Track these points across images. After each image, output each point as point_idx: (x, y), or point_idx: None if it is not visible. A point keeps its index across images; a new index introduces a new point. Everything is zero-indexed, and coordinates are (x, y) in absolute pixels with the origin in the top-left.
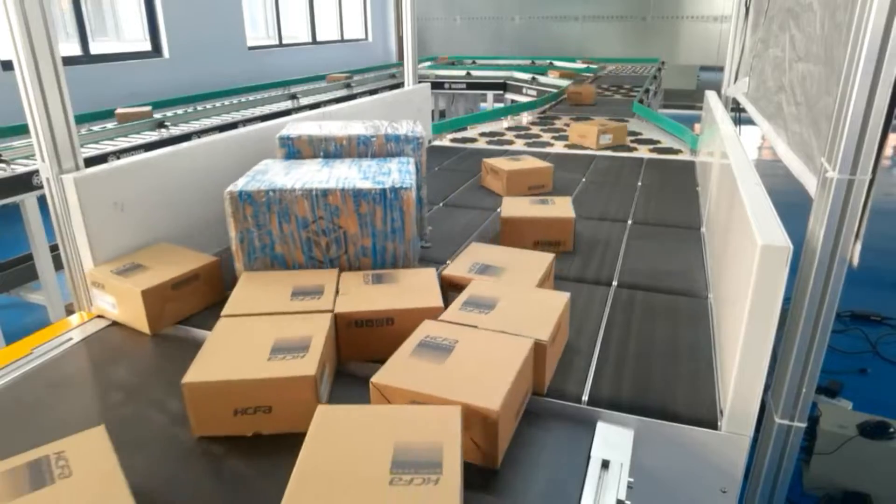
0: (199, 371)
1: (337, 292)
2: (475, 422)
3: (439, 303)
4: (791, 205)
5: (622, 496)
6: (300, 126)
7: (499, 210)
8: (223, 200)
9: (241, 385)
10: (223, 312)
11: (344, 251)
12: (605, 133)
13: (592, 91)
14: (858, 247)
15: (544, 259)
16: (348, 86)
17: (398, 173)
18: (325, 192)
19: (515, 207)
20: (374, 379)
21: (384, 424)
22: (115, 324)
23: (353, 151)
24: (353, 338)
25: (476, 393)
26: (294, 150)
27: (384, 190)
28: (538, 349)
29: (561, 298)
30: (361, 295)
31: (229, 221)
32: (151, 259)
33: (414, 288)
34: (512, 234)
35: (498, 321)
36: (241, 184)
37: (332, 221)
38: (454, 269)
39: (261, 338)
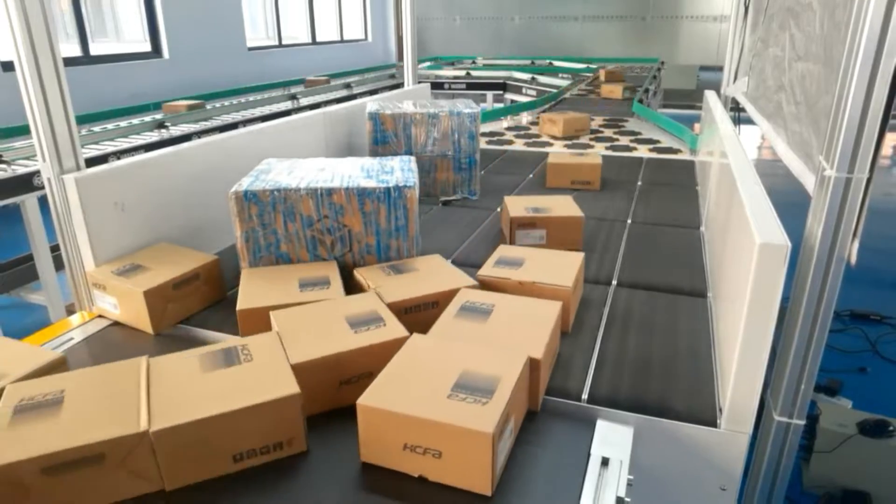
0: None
1: (362, 287)
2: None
3: (472, 281)
4: (791, 204)
5: (622, 494)
6: (383, 105)
7: (498, 210)
8: (226, 200)
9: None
10: (239, 307)
11: (349, 249)
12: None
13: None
14: (856, 245)
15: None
16: (348, 86)
17: (400, 172)
18: (330, 192)
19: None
20: (431, 331)
21: (458, 356)
22: (116, 323)
23: (426, 123)
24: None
25: (521, 344)
26: (379, 122)
27: (388, 189)
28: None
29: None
30: (397, 285)
31: (234, 221)
32: (151, 259)
33: (437, 272)
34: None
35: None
36: (245, 183)
37: (337, 220)
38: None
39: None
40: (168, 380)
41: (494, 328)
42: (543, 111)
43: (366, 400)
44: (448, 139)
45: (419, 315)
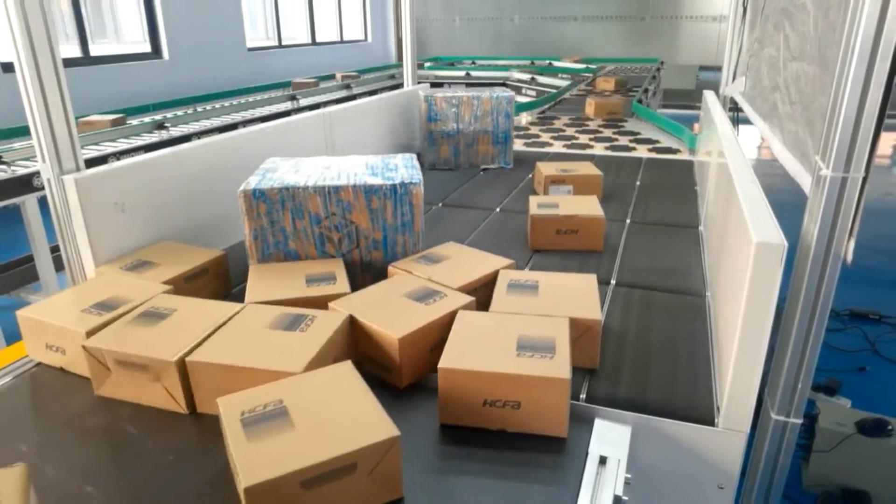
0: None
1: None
2: (578, 332)
3: (509, 260)
4: (790, 204)
5: (619, 492)
6: (436, 91)
7: (498, 209)
8: (226, 201)
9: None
10: (247, 300)
11: (356, 245)
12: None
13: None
14: (852, 244)
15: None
16: (348, 86)
17: (405, 169)
18: (338, 189)
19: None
20: (492, 308)
21: (511, 324)
22: None
23: (470, 104)
24: None
25: (576, 310)
26: (433, 104)
27: (395, 185)
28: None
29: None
30: (446, 271)
31: (243, 219)
32: (158, 256)
33: (469, 257)
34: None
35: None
36: (253, 182)
37: (345, 217)
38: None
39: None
40: None
41: (548, 299)
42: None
43: (446, 363)
44: (488, 117)
45: (476, 296)
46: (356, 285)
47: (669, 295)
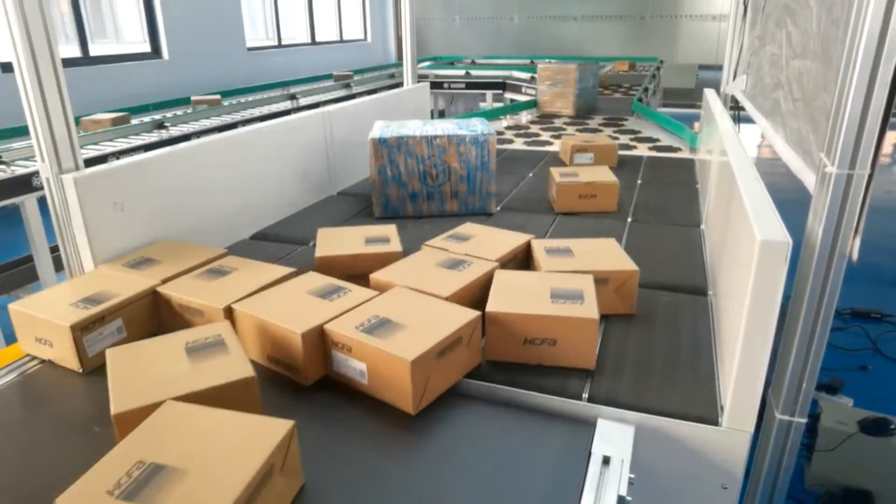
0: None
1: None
2: (618, 282)
3: (530, 235)
4: (791, 202)
5: (623, 492)
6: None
7: (498, 208)
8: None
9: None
10: (317, 254)
11: (448, 179)
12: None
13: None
14: (858, 242)
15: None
16: (348, 86)
17: (481, 125)
18: (436, 138)
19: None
20: (541, 266)
21: (543, 279)
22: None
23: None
24: None
25: (614, 264)
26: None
27: (476, 136)
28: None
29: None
30: (477, 247)
31: (370, 159)
32: (160, 254)
33: (492, 235)
34: None
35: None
36: (377, 133)
37: (441, 158)
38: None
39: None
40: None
41: (585, 259)
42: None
43: (492, 308)
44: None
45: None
46: (446, 210)
47: (672, 294)
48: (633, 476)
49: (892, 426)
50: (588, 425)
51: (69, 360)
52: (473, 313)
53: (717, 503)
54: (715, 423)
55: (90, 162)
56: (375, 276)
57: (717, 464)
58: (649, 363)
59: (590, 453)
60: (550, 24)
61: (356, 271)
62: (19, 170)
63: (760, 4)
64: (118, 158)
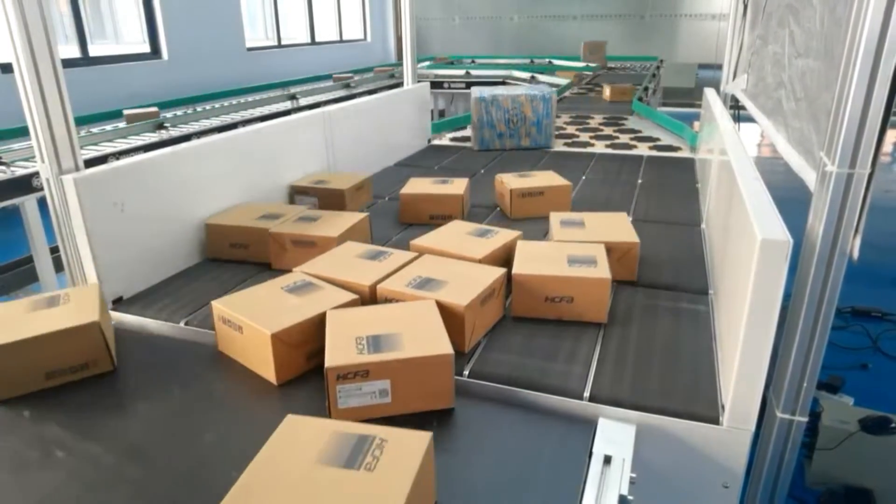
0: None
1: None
2: (620, 252)
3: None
4: (791, 201)
5: (624, 492)
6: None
7: (498, 209)
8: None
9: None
10: (402, 191)
11: (523, 123)
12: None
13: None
14: (858, 241)
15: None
16: (348, 86)
17: (546, 88)
18: (518, 96)
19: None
20: (553, 238)
21: (559, 248)
22: (115, 324)
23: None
24: None
25: (619, 236)
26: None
27: (543, 94)
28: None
29: None
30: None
31: (473, 112)
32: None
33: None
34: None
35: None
36: (477, 94)
37: (520, 110)
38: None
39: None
40: None
41: (594, 231)
42: None
43: (518, 270)
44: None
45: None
46: (521, 144)
47: (672, 293)
48: (634, 475)
49: (893, 425)
50: (589, 425)
51: (262, 255)
52: (500, 270)
53: (718, 502)
54: (716, 422)
55: (90, 163)
56: (416, 242)
57: (718, 463)
58: (650, 362)
59: (591, 453)
60: (550, 23)
61: (435, 212)
62: (19, 170)
63: (761, 3)
64: (118, 159)
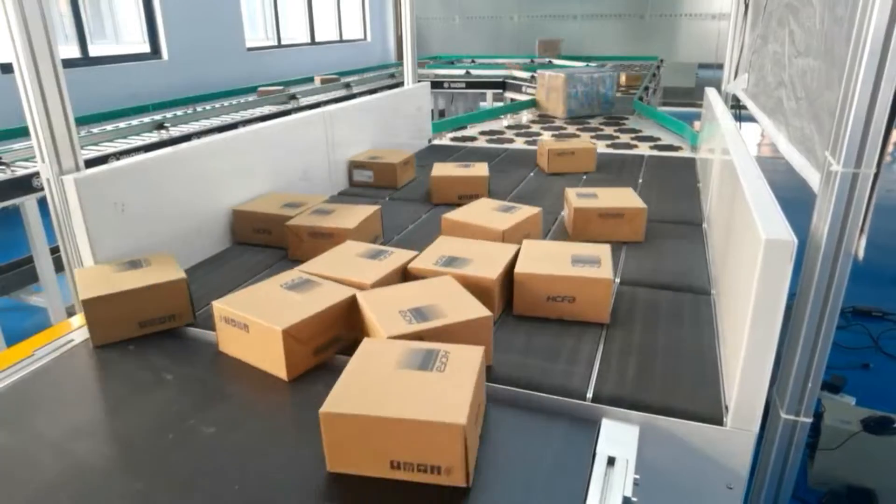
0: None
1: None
2: (631, 216)
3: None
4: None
5: (628, 493)
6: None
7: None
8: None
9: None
10: (432, 174)
11: (596, 97)
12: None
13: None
14: (864, 241)
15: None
16: (348, 86)
17: (611, 71)
18: (594, 75)
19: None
20: (572, 204)
21: (565, 247)
22: None
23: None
24: None
25: (628, 203)
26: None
27: (610, 75)
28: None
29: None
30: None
31: (563, 88)
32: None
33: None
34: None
35: None
36: (566, 73)
37: (595, 86)
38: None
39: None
40: None
41: (606, 201)
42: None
43: (520, 269)
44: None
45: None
46: (595, 111)
47: (674, 293)
48: (638, 476)
49: (895, 424)
50: (592, 425)
51: (281, 240)
52: (515, 246)
53: (722, 503)
54: (720, 422)
55: (91, 163)
56: (448, 216)
57: (721, 464)
58: (653, 363)
59: (594, 454)
60: (550, 22)
61: (463, 192)
62: (19, 171)
63: (762, 3)
64: (118, 159)
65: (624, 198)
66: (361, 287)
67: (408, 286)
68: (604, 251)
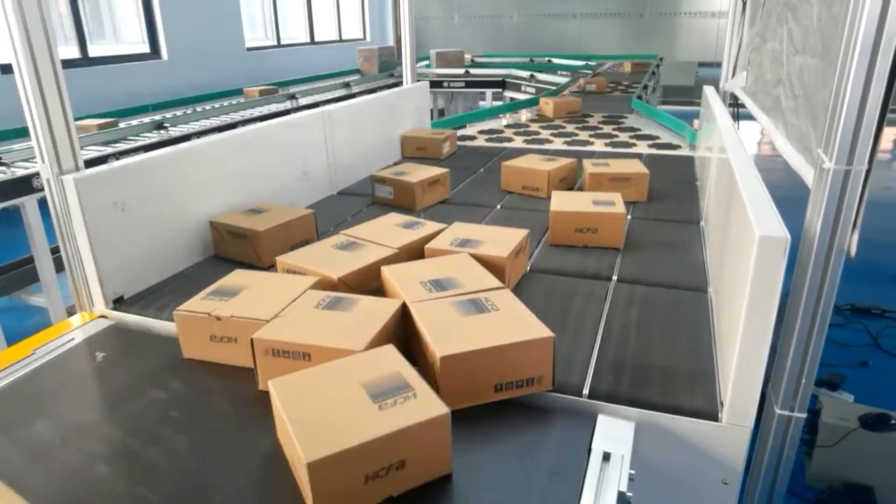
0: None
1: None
2: (636, 180)
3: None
4: (790, 199)
5: (623, 489)
6: None
7: (499, 206)
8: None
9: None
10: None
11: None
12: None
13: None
14: (856, 237)
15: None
16: (347, 85)
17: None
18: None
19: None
20: (588, 171)
21: (588, 195)
22: (116, 324)
23: None
24: None
25: (634, 170)
26: None
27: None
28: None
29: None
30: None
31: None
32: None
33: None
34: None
35: None
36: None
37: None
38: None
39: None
40: None
41: (616, 167)
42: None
43: (555, 208)
44: None
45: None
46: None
47: (672, 290)
48: (633, 472)
49: (893, 421)
50: (588, 421)
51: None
52: (524, 231)
53: (717, 498)
54: (715, 418)
55: (91, 163)
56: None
57: (717, 459)
58: (649, 359)
59: (590, 449)
60: (550, 21)
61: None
62: (20, 171)
63: (760, 1)
64: (118, 159)
65: (631, 166)
66: (393, 254)
67: (428, 262)
68: (616, 197)
